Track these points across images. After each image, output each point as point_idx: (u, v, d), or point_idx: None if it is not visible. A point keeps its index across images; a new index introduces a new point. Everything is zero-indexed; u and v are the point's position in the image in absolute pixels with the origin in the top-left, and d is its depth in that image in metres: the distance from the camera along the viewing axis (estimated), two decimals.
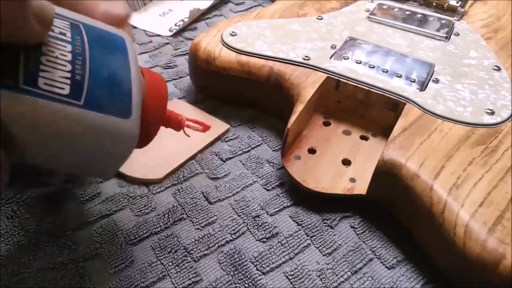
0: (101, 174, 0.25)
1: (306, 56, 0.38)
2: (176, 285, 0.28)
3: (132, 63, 0.24)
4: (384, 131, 0.36)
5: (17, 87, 0.19)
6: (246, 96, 0.40)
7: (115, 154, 0.23)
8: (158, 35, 0.52)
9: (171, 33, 0.52)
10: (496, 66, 0.39)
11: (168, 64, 0.47)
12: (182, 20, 0.53)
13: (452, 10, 0.46)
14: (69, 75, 0.20)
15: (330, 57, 0.39)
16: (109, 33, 0.24)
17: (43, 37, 0.20)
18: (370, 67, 0.38)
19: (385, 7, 0.46)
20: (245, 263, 0.29)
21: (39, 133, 0.20)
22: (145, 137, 0.26)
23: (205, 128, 0.32)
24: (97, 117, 0.21)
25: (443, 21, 0.44)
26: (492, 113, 0.34)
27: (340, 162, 0.35)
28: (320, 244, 0.30)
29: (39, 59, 0.20)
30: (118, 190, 0.34)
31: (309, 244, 0.31)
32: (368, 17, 0.45)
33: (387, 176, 0.30)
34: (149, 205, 0.32)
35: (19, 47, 0.19)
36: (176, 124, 0.29)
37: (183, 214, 0.32)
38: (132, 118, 0.23)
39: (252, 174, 0.35)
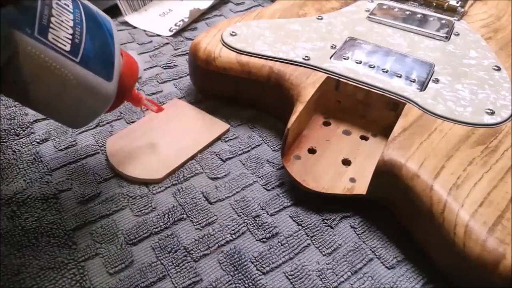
0: (72, 122, 0.29)
1: (306, 56, 0.38)
2: (176, 285, 0.28)
3: (116, 41, 0.30)
4: (384, 131, 0.36)
5: (33, 35, 0.24)
6: (246, 96, 0.40)
7: (92, 108, 0.28)
8: (158, 35, 0.52)
9: (171, 33, 0.52)
10: (496, 66, 0.39)
11: (168, 64, 0.47)
12: (182, 20, 0.53)
13: (452, 10, 0.46)
14: (70, 37, 0.26)
15: (330, 57, 0.39)
16: (100, 14, 0.30)
17: None
18: (370, 67, 0.38)
19: (385, 7, 0.46)
20: (245, 263, 0.29)
21: (43, 73, 0.25)
22: (115, 102, 0.31)
23: (159, 109, 0.36)
24: (87, 74, 0.26)
25: (443, 21, 0.44)
26: (492, 113, 0.34)
27: (340, 162, 0.35)
28: (320, 244, 0.30)
29: (50, 19, 0.25)
30: (118, 190, 0.34)
31: (309, 244, 0.31)
32: (368, 17, 0.45)
33: (387, 176, 0.30)
34: (149, 205, 0.32)
35: (37, 3, 0.24)
36: (137, 100, 0.34)
37: (183, 214, 0.32)
38: (112, 82, 0.28)
39: (252, 174, 0.35)
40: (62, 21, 0.25)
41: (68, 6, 0.27)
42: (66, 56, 0.25)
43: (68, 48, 0.25)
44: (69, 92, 0.26)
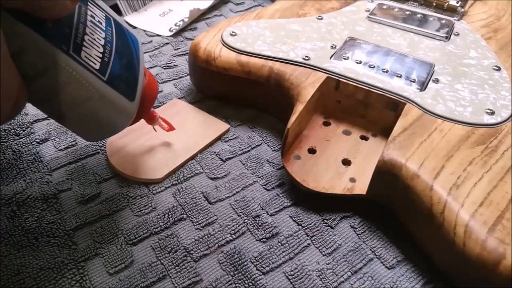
0: (89, 135, 0.30)
1: (306, 56, 0.38)
2: (176, 285, 0.28)
3: (141, 61, 0.30)
4: (384, 131, 0.36)
5: (68, 52, 0.25)
6: (246, 96, 0.40)
7: (111, 124, 0.29)
8: (158, 35, 0.52)
9: (171, 33, 0.52)
10: (496, 66, 0.39)
11: (168, 64, 0.47)
12: (182, 20, 0.53)
13: (452, 10, 0.46)
14: (100, 55, 0.26)
15: (330, 57, 0.39)
16: (129, 32, 0.31)
17: (71, 10, 0.24)
18: (370, 67, 0.38)
19: (385, 7, 0.46)
20: (245, 263, 0.29)
21: (71, 86, 0.25)
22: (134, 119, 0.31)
23: (170, 128, 0.37)
24: (111, 92, 0.27)
25: (443, 21, 0.44)
26: (492, 113, 0.34)
27: (340, 162, 0.35)
28: (320, 244, 0.30)
29: (84, 37, 0.26)
30: (118, 190, 0.34)
31: (309, 244, 0.31)
32: (368, 17, 0.45)
33: (387, 176, 0.30)
34: (149, 205, 0.32)
35: (73, 22, 0.25)
36: (152, 119, 0.35)
37: (183, 214, 0.32)
38: (135, 102, 0.29)
39: (252, 174, 0.35)
40: (94, 39, 0.26)
41: (102, 23, 0.28)
42: (95, 74, 0.26)
43: (97, 66, 0.26)
44: (91, 105, 0.27)
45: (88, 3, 0.27)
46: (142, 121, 0.39)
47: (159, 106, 0.41)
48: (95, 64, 0.26)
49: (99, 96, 0.26)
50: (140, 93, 0.30)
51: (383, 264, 0.30)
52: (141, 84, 0.30)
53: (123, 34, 0.30)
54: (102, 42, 0.27)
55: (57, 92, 0.25)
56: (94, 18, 0.27)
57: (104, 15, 0.29)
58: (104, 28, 0.28)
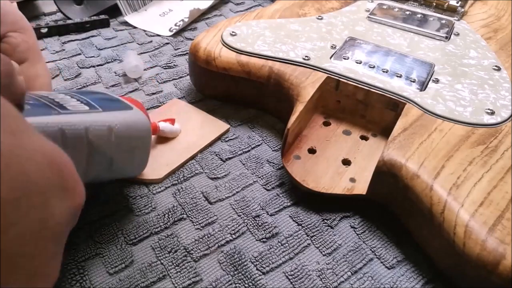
0: (137, 169, 0.31)
1: (306, 56, 0.38)
2: (176, 285, 0.28)
3: (114, 95, 0.30)
4: (384, 131, 0.36)
5: (59, 113, 0.24)
6: (246, 96, 0.40)
7: (139, 140, 0.29)
8: (158, 35, 0.52)
9: (171, 33, 0.52)
10: (496, 66, 0.39)
11: (168, 64, 0.47)
12: (182, 20, 0.53)
13: (452, 10, 0.46)
14: (80, 103, 0.27)
15: (330, 57, 0.39)
16: (84, 93, 0.30)
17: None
18: (370, 67, 0.38)
19: (385, 7, 0.46)
20: (245, 263, 0.29)
21: (93, 136, 0.26)
22: None
23: (172, 122, 0.37)
24: (114, 114, 0.27)
25: (443, 21, 0.44)
26: (492, 113, 0.34)
27: (340, 162, 0.35)
28: (320, 244, 0.30)
29: (58, 102, 0.25)
30: (118, 190, 0.33)
31: (309, 244, 0.31)
32: (368, 17, 0.45)
33: (387, 176, 0.30)
34: (149, 205, 0.32)
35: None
36: (155, 129, 0.36)
37: (183, 214, 0.32)
38: (134, 108, 0.29)
39: (252, 174, 0.35)
40: (66, 100, 0.27)
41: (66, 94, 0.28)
42: (91, 112, 0.26)
43: (87, 107, 0.27)
44: (114, 141, 0.27)
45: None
46: None
47: (159, 106, 0.41)
48: (84, 107, 0.26)
49: (109, 126, 0.27)
50: (130, 103, 0.30)
51: (383, 264, 0.30)
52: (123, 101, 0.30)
53: (83, 93, 0.30)
54: (76, 99, 0.27)
55: (85, 155, 0.25)
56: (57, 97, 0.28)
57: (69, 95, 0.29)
58: (69, 96, 0.28)
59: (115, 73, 0.45)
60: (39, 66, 0.30)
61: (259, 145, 0.38)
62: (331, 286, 0.28)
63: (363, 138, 0.37)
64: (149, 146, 0.31)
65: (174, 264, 0.29)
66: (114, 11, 0.54)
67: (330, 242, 0.31)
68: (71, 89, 0.30)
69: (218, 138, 0.38)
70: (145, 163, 0.31)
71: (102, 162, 0.27)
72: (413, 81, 0.36)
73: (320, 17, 0.44)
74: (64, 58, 0.47)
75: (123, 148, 0.28)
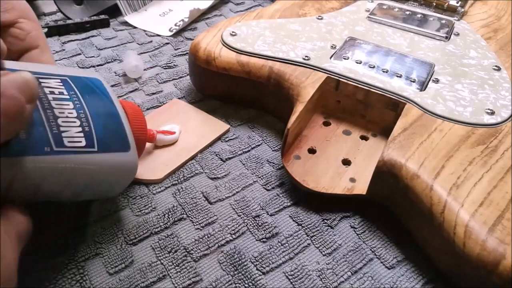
0: (109, 195, 0.30)
1: (306, 56, 0.38)
2: (176, 285, 0.28)
3: (114, 100, 0.28)
4: (384, 131, 0.36)
5: (53, 151, 0.23)
6: (246, 96, 0.40)
7: (122, 181, 0.29)
8: (158, 35, 0.52)
9: (171, 33, 0.52)
10: (496, 66, 0.39)
11: (168, 64, 0.47)
12: (182, 20, 0.53)
13: (452, 10, 0.46)
14: (80, 129, 0.25)
15: (330, 57, 0.39)
16: (89, 79, 0.28)
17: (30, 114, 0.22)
18: (370, 67, 0.38)
19: (385, 7, 0.46)
20: (245, 263, 0.29)
21: (74, 179, 0.25)
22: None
23: (170, 133, 0.37)
24: (108, 157, 0.26)
25: (443, 21, 0.44)
26: (492, 113, 0.34)
27: (340, 162, 0.35)
28: (320, 244, 0.30)
29: (57, 122, 0.23)
30: None
31: (309, 244, 0.31)
32: (368, 17, 0.45)
33: (387, 176, 0.30)
34: (149, 205, 0.32)
35: (40, 115, 0.23)
36: (152, 138, 0.35)
37: (183, 214, 0.32)
38: (131, 149, 0.28)
39: (252, 174, 0.35)
40: (67, 116, 0.24)
41: (63, 93, 0.25)
42: (86, 152, 0.24)
43: (83, 143, 0.24)
44: (95, 181, 0.26)
45: (39, 79, 0.25)
46: None
47: (159, 106, 0.41)
48: (81, 142, 0.24)
49: (97, 167, 0.25)
50: (131, 134, 0.28)
51: (383, 264, 0.30)
52: (126, 123, 0.28)
53: (85, 86, 0.27)
54: (75, 113, 0.25)
55: (61, 190, 0.24)
56: (54, 93, 0.25)
57: (59, 80, 0.26)
58: (68, 97, 0.25)
59: (115, 73, 0.45)
60: (48, 55, 0.30)
61: (259, 145, 0.38)
62: (331, 286, 0.28)
63: (363, 138, 0.37)
64: (130, 181, 0.30)
65: (174, 264, 0.29)
66: (114, 11, 0.54)
67: (330, 242, 0.31)
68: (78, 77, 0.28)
69: (218, 138, 0.38)
70: (123, 188, 0.30)
71: (74, 190, 0.26)
72: (413, 81, 0.36)
73: (320, 17, 0.44)
74: (64, 58, 0.47)
75: (102, 184, 0.27)
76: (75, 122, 0.24)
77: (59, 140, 0.23)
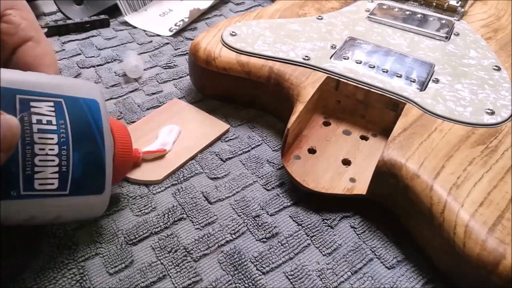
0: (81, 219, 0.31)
1: (306, 56, 0.38)
2: (176, 285, 0.28)
3: (105, 128, 0.26)
4: (384, 131, 0.36)
5: (20, 195, 0.22)
6: (246, 96, 0.40)
7: (91, 215, 0.29)
8: (158, 35, 0.52)
9: (171, 33, 0.52)
10: (496, 66, 0.39)
11: (168, 64, 0.47)
12: (182, 20, 0.53)
13: (452, 10, 0.46)
14: (57, 169, 0.23)
15: (330, 57, 0.39)
16: (86, 100, 0.26)
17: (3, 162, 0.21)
18: (370, 67, 0.38)
19: (385, 7, 0.46)
20: (245, 263, 0.29)
21: (38, 218, 0.24)
22: (118, 178, 0.31)
23: (160, 151, 0.36)
24: (78, 199, 0.25)
25: (443, 21, 0.44)
26: (492, 113, 0.34)
27: (340, 162, 0.35)
28: (320, 244, 0.30)
29: (33, 161, 0.22)
30: (118, 190, 0.33)
31: (309, 244, 0.31)
32: (368, 17, 0.45)
33: (387, 176, 0.30)
34: (149, 205, 0.32)
35: (17, 155, 0.22)
36: (138, 159, 0.34)
37: (183, 214, 0.32)
38: (105, 192, 0.27)
39: (252, 174, 0.35)
40: (46, 154, 0.23)
41: (51, 122, 0.23)
42: (55, 194, 0.23)
43: (55, 185, 0.23)
44: (62, 218, 0.27)
45: (31, 102, 0.23)
46: (142, 121, 0.39)
47: (159, 106, 0.41)
48: (53, 184, 0.23)
49: (64, 208, 0.25)
50: (111, 175, 0.27)
51: (383, 264, 0.30)
52: (110, 165, 0.27)
53: (79, 114, 0.25)
54: (56, 150, 0.23)
55: (27, 220, 0.24)
56: (41, 122, 0.23)
57: (52, 104, 0.24)
58: (55, 128, 0.23)
59: (115, 73, 0.45)
60: (45, 44, 0.28)
61: (259, 145, 0.38)
62: (331, 286, 0.28)
63: (363, 138, 0.37)
64: (99, 215, 0.29)
65: (174, 264, 0.29)
66: (114, 11, 0.54)
67: (330, 242, 0.31)
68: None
69: (218, 138, 0.38)
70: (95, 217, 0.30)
71: (41, 221, 0.26)
72: (413, 81, 0.36)
73: (320, 17, 0.44)
74: (64, 58, 0.47)
75: (69, 218, 0.28)
76: (53, 161, 0.23)
77: (30, 182, 0.22)
